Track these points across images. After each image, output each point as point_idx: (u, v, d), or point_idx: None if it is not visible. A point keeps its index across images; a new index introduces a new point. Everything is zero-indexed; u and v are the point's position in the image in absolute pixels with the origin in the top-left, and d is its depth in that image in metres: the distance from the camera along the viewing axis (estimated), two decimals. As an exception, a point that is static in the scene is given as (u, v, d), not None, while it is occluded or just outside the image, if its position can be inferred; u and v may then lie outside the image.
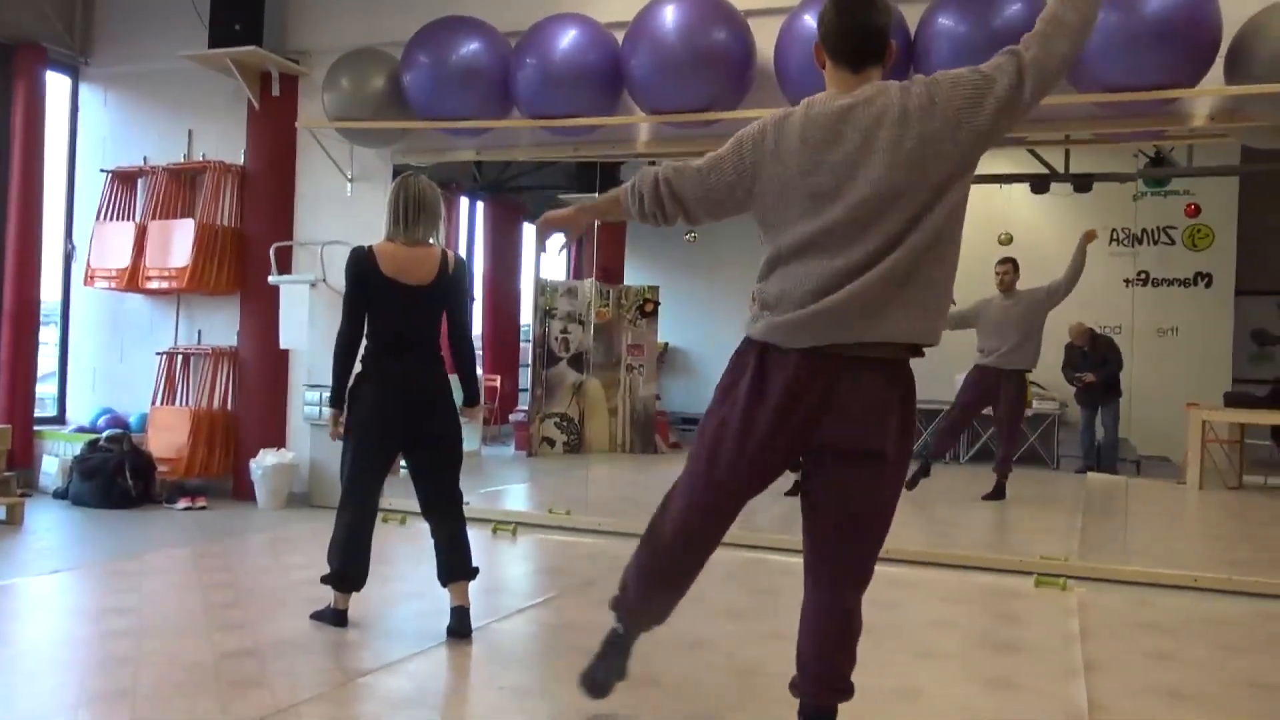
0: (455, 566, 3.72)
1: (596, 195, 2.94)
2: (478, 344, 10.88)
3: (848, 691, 2.50)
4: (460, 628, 3.66)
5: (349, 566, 3.73)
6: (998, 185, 9.70)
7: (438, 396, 3.71)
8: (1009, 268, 7.41)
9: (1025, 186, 9.34)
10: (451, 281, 3.73)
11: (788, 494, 7.06)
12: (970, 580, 4.91)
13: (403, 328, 3.67)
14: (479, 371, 4.20)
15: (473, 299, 3.74)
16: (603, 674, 2.78)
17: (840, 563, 2.46)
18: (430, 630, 3.71)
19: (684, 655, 3.49)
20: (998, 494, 7.30)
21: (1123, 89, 4.70)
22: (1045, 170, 9.21)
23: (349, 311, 3.68)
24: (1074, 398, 9.28)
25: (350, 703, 3.04)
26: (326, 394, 4.05)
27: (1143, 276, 10.47)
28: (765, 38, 5.33)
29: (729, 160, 2.46)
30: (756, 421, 2.37)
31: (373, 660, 3.41)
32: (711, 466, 2.45)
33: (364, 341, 3.72)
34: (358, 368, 3.74)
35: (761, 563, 5.11)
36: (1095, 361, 8.83)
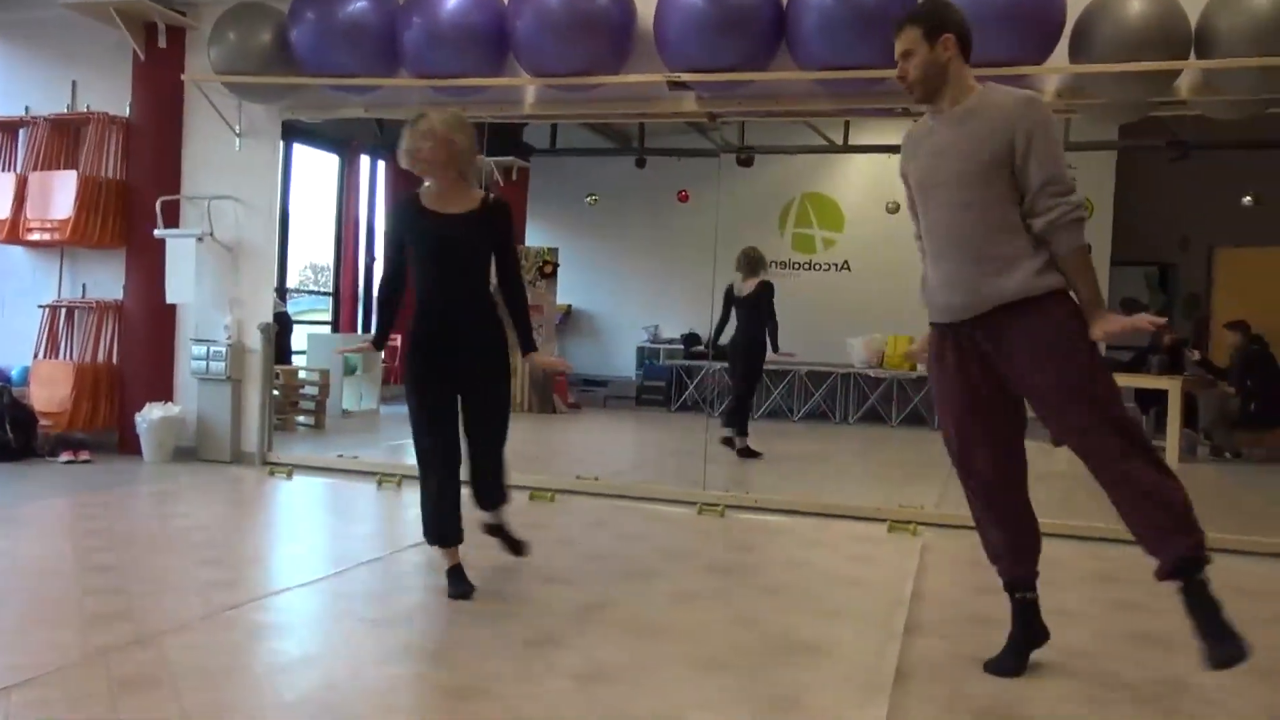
0: None
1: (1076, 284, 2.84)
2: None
3: None
4: None
5: None
6: (886, 155, 10.03)
7: None
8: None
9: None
10: None
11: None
12: (829, 526, 5.20)
13: None
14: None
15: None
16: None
17: None
18: (305, 571, 3.85)
19: (542, 588, 3.70)
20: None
21: (976, 65, 4.96)
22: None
23: None
24: None
25: (213, 632, 3.17)
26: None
27: (1027, 245, 10.92)
28: (646, 4, 5.47)
29: None
30: None
31: (242, 596, 3.55)
32: None
33: None
34: None
35: (635, 509, 5.34)
36: None
